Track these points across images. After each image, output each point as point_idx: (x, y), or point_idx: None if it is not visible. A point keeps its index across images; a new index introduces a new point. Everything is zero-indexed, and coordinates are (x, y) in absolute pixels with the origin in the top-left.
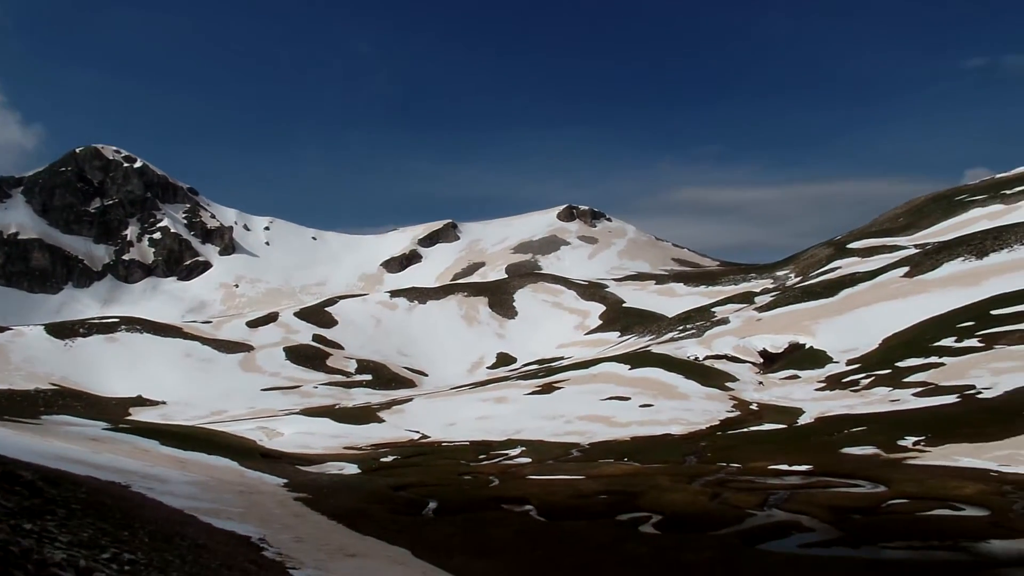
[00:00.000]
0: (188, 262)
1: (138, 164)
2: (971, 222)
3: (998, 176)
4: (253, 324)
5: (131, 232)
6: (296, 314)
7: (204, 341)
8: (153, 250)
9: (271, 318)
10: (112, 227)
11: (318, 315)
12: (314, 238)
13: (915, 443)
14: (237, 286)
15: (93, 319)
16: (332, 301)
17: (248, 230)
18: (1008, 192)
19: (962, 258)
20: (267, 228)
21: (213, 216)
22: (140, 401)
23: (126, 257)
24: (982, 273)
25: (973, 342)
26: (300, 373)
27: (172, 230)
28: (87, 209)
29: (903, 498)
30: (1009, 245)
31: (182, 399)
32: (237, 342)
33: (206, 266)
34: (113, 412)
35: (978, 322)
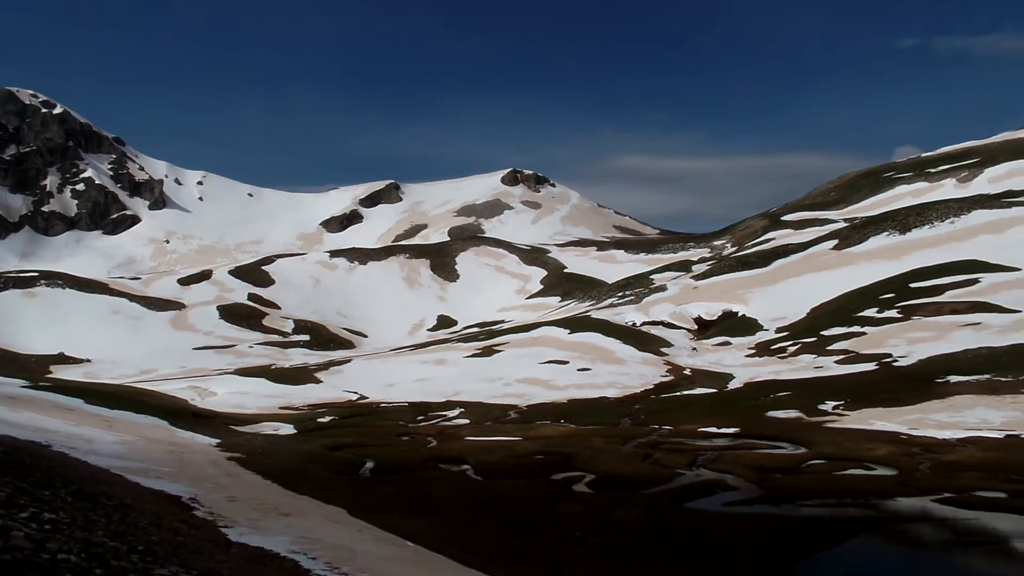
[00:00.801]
0: (115, 216)
1: (58, 110)
2: (897, 198)
3: (924, 155)
4: (185, 281)
5: (51, 182)
6: (231, 272)
7: (132, 298)
8: (76, 202)
9: (205, 276)
10: (29, 176)
11: (254, 274)
12: (250, 195)
13: (835, 407)
14: (168, 242)
15: (9, 272)
16: (269, 260)
17: (180, 184)
18: (932, 171)
19: (887, 233)
20: (200, 183)
21: (142, 168)
22: (62, 359)
23: (45, 209)
24: (905, 247)
25: (893, 313)
26: (235, 332)
27: (97, 181)
28: (1, 156)
29: (821, 459)
30: (930, 222)
31: (108, 357)
32: (168, 300)
33: (134, 220)
34: (32, 369)
35: (898, 294)
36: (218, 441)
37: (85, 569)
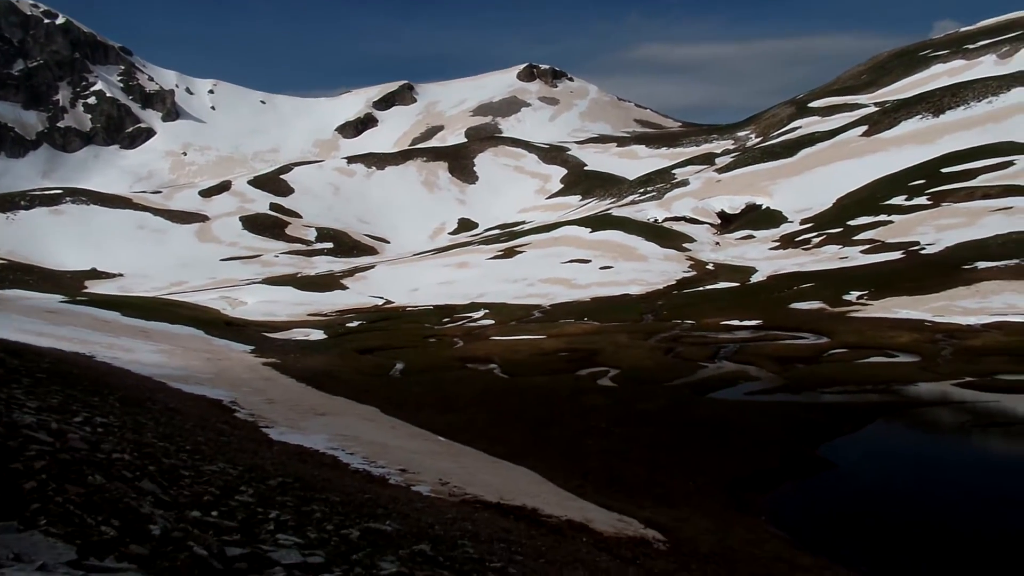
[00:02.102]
0: (130, 129)
1: (60, 20)
2: (932, 79)
3: (962, 30)
4: (206, 193)
5: (63, 97)
6: (250, 182)
7: (156, 212)
8: (90, 116)
9: (224, 187)
10: (41, 92)
11: (273, 183)
12: (263, 102)
13: (858, 297)
14: (185, 154)
15: (34, 190)
16: (287, 168)
17: (191, 94)
18: (971, 47)
19: (920, 116)
20: (211, 91)
21: (151, 79)
22: (95, 274)
23: (61, 124)
24: (937, 131)
25: (922, 200)
26: (259, 242)
27: (108, 94)
28: (10, 72)
29: (843, 348)
30: (966, 102)
31: (139, 271)
32: (191, 212)
33: (149, 133)
34: (68, 285)
35: (928, 180)
36: (252, 347)
37: (139, 466)
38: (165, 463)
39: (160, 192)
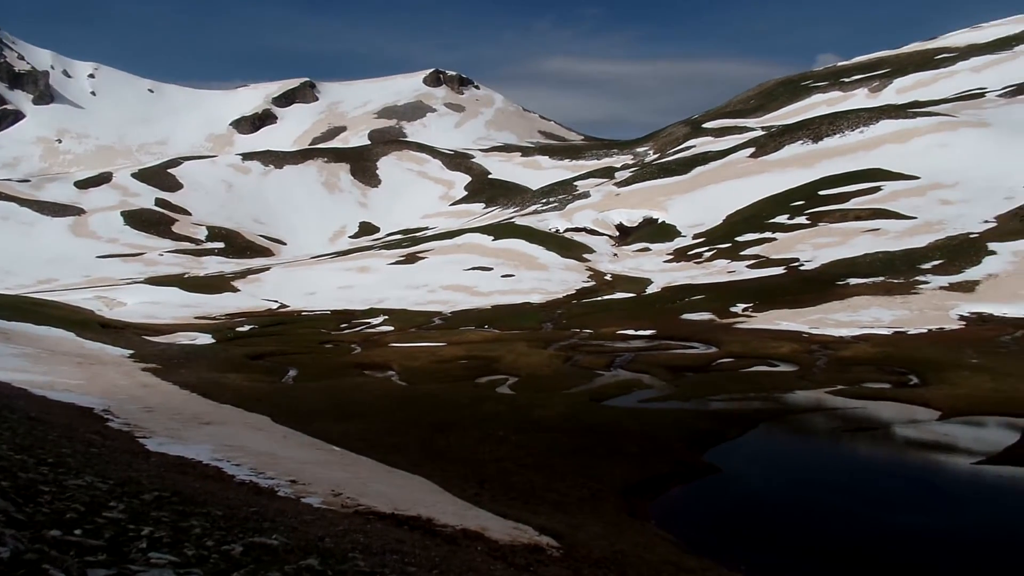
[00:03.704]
0: None
1: None
2: (812, 107)
3: (839, 64)
4: (83, 185)
5: None
6: (135, 175)
7: (23, 202)
8: None
9: (105, 179)
10: None
11: (161, 177)
12: (151, 90)
13: (744, 309)
14: (60, 141)
15: None
16: (176, 162)
17: (69, 76)
18: (846, 80)
19: (801, 141)
20: (91, 76)
21: (21, 57)
22: None
23: None
24: (816, 156)
25: (802, 219)
26: (142, 240)
27: None
28: None
29: (730, 357)
30: (841, 131)
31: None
32: (65, 204)
33: (17, 116)
34: None
35: (808, 201)
36: (131, 352)
37: None
38: (22, 478)
39: (28, 181)
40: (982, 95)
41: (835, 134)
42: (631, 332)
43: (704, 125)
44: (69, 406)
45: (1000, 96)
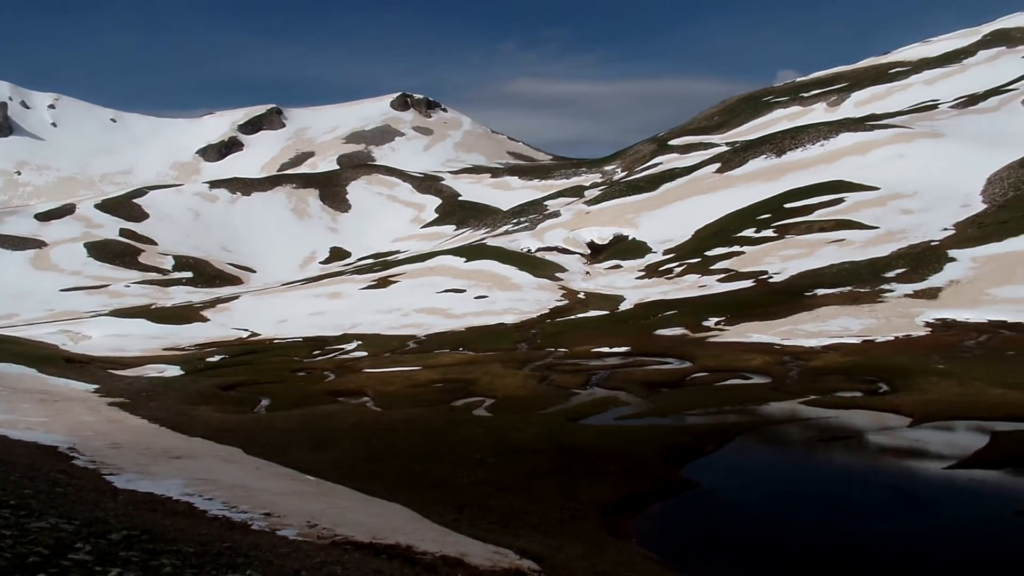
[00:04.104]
0: None
1: None
2: (774, 122)
3: (798, 80)
4: (44, 217)
5: None
6: (98, 206)
7: None
8: None
9: (67, 210)
10: None
11: (125, 207)
12: (113, 120)
13: (716, 323)
14: (19, 173)
15: None
16: (141, 192)
17: (28, 108)
18: (805, 95)
19: (764, 156)
20: (52, 106)
21: None
22: None
23: None
24: (780, 169)
25: (769, 232)
26: (107, 271)
27: None
28: None
29: (704, 371)
30: (803, 144)
31: None
32: (25, 237)
33: None
34: None
35: (774, 215)
36: (96, 387)
37: None
38: None
39: None
40: (935, 107)
41: (797, 148)
42: (606, 349)
43: (670, 142)
44: (31, 445)
45: (952, 107)
